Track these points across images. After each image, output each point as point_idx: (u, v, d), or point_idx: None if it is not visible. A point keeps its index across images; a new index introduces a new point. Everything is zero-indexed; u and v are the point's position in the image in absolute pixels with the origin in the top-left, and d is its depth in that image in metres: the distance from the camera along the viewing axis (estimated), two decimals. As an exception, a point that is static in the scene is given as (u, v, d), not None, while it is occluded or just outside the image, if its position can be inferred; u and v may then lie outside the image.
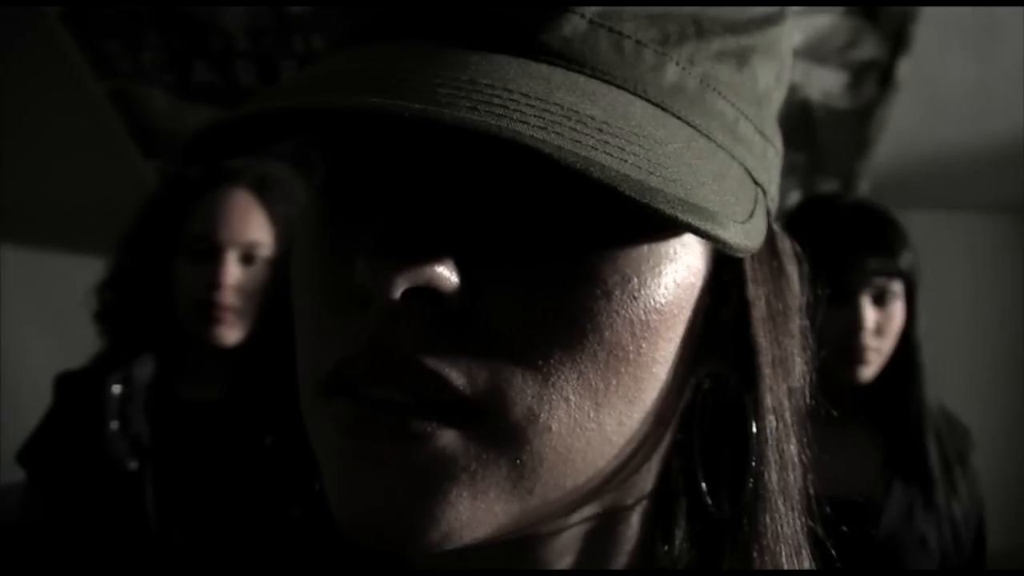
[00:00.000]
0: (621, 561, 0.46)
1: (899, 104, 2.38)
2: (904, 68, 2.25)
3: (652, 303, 0.38)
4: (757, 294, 0.44)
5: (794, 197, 2.64)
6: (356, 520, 0.36)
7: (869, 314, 1.50)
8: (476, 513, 0.36)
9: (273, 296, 0.43)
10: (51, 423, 1.56)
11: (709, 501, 0.45)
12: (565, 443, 0.37)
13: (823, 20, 2.14)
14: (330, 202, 0.40)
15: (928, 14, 2.08)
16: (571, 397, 0.37)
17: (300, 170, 1.62)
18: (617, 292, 0.37)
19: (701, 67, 0.39)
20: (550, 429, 0.36)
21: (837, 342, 1.48)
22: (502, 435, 0.36)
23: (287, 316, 0.49)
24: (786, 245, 0.47)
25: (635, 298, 0.37)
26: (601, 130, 0.33)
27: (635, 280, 0.37)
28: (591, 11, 0.36)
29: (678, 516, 0.46)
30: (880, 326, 1.52)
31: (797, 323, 0.47)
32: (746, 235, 0.37)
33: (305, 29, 2.17)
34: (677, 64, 0.38)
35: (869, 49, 2.22)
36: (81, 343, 1.62)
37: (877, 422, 1.58)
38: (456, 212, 0.36)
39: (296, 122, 0.37)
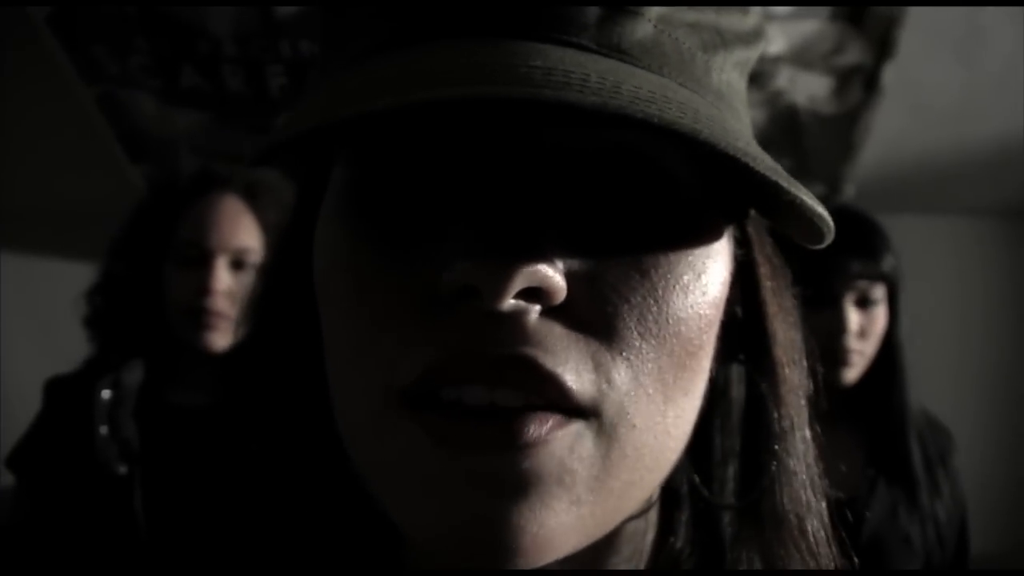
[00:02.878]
0: (645, 556, 0.47)
1: (884, 109, 2.39)
2: (889, 73, 2.26)
3: (713, 297, 0.40)
4: (769, 290, 0.46)
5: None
6: (458, 538, 0.35)
7: (852, 317, 1.52)
8: (571, 520, 0.35)
9: (262, 302, 0.43)
10: (41, 428, 1.56)
11: (705, 492, 0.46)
12: (642, 439, 0.37)
13: (809, 26, 2.15)
14: (372, 214, 0.39)
15: (913, 20, 2.09)
16: (650, 391, 0.37)
17: (289, 176, 1.61)
18: (691, 287, 0.38)
19: (727, 74, 0.41)
20: (634, 426, 0.37)
21: (820, 345, 1.49)
22: (597, 434, 0.36)
23: (284, 322, 0.49)
24: (772, 242, 0.49)
25: (705, 293, 0.39)
26: (726, 129, 0.35)
27: (704, 277, 0.39)
28: (654, 16, 0.38)
29: (682, 508, 0.47)
30: (863, 329, 1.53)
31: (794, 314, 0.49)
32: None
33: (292, 34, 2.17)
34: (715, 70, 0.40)
35: (854, 54, 2.24)
36: (70, 348, 1.62)
37: (860, 424, 1.59)
38: (545, 211, 0.36)
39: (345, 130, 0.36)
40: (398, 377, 0.36)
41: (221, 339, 1.50)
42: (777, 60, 2.24)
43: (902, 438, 1.55)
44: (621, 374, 0.36)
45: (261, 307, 0.51)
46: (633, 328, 0.36)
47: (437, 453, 0.35)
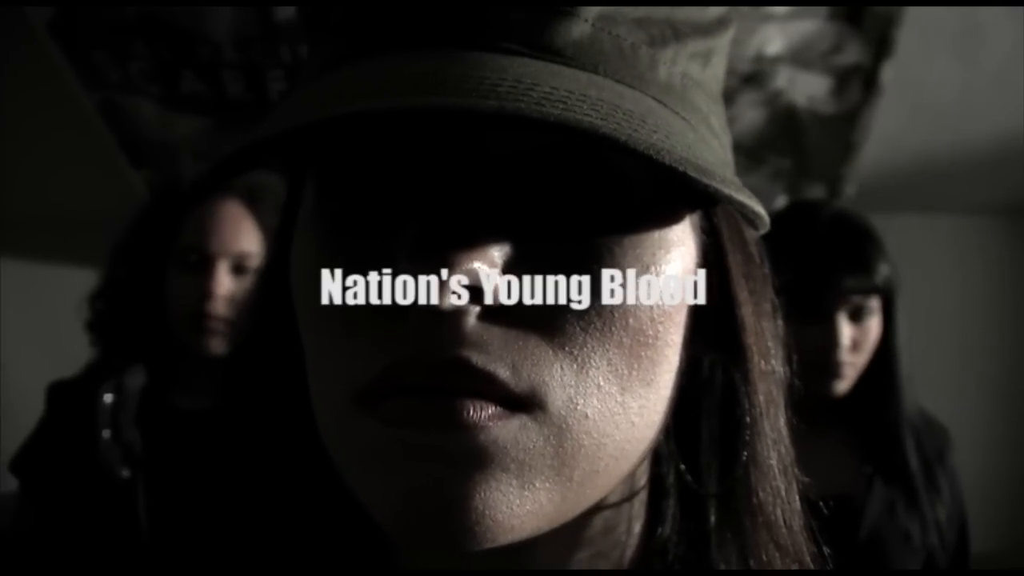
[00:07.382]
0: (631, 545, 0.47)
1: (884, 108, 2.39)
2: (888, 72, 2.26)
3: (667, 288, 0.40)
4: (741, 278, 0.46)
5: (780, 203, 2.65)
6: (407, 517, 0.36)
7: (845, 331, 1.50)
8: (524, 504, 0.37)
9: (262, 306, 0.43)
10: (44, 432, 1.57)
11: (689, 478, 0.46)
12: (599, 429, 0.38)
13: (807, 25, 2.15)
14: (332, 224, 0.41)
15: (911, 18, 2.10)
16: (601, 383, 0.38)
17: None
18: (638, 279, 0.39)
19: (681, 66, 0.41)
20: (586, 416, 0.37)
21: (813, 357, 1.47)
22: (546, 425, 0.37)
23: (277, 326, 0.49)
24: (750, 233, 0.48)
25: (654, 284, 0.39)
26: (644, 121, 0.35)
27: (653, 268, 0.39)
28: (591, 16, 0.38)
29: (669, 497, 0.47)
30: (856, 342, 1.51)
31: (769, 302, 0.49)
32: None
33: (292, 39, 2.17)
34: (664, 64, 0.40)
35: (853, 54, 2.24)
36: (73, 353, 1.62)
37: (855, 432, 1.58)
38: (488, 212, 0.37)
39: (289, 142, 0.37)
40: (357, 383, 0.38)
41: (222, 343, 1.50)
42: (776, 60, 2.24)
43: (898, 445, 1.54)
44: (564, 369, 0.37)
45: (255, 313, 0.52)
46: (575, 324, 0.37)
47: (385, 432, 0.36)
